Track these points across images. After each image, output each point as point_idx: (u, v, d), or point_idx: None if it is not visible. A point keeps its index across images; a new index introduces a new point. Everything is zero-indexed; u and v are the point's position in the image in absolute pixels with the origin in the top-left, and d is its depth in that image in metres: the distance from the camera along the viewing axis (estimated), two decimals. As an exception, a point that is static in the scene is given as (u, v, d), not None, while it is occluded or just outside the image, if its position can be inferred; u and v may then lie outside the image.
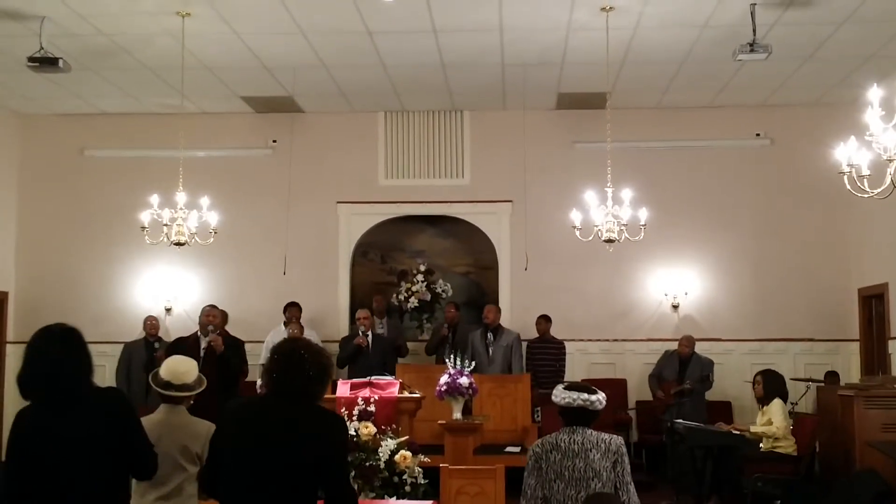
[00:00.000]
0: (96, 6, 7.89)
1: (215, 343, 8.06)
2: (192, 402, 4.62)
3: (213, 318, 8.28)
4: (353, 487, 3.59)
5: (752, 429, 8.21)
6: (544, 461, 4.27)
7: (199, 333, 8.29)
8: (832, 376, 10.16)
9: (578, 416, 4.35)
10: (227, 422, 3.49)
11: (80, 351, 3.68)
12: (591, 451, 4.24)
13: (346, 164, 11.39)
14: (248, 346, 8.70)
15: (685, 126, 11.15)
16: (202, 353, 7.97)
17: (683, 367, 9.79)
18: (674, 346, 10.17)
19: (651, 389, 10.09)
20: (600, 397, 4.40)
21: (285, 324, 10.25)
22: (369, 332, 9.77)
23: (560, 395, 4.40)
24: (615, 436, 4.39)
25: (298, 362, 3.42)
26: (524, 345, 10.44)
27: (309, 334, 10.26)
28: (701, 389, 9.72)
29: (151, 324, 10.38)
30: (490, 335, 9.99)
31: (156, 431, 4.18)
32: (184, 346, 8.01)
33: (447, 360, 8.22)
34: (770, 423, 8.11)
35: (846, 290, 10.77)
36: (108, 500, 3.59)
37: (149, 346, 10.23)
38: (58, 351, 3.61)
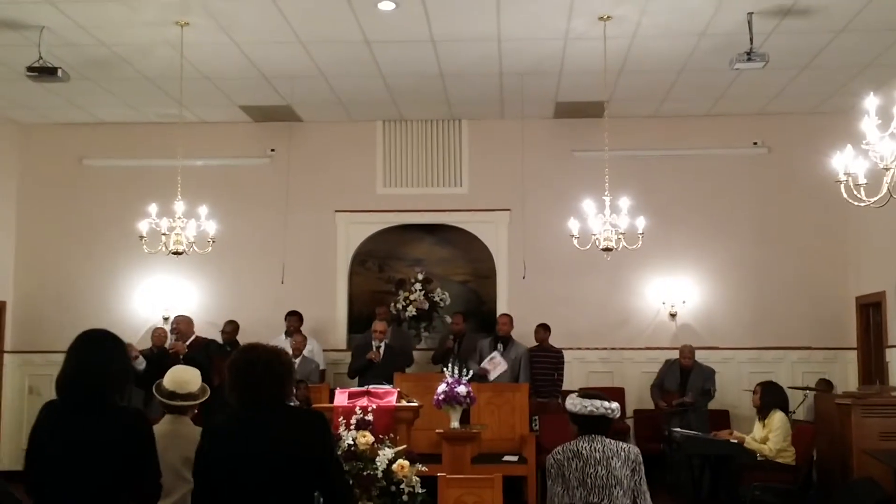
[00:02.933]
0: (95, 16, 7.91)
1: (174, 349, 9.26)
2: (195, 411, 4.61)
3: (177, 324, 9.61)
4: (349, 484, 3.58)
5: (748, 441, 8.20)
6: (566, 468, 4.27)
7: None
8: (825, 384, 10.17)
9: (598, 425, 4.35)
10: (209, 444, 3.43)
11: (119, 359, 3.71)
12: (612, 458, 4.25)
13: (345, 173, 11.40)
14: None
15: (683, 135, 11.16)
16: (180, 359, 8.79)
17: (685, 378, 9.76)
18: (672, 354, 10.17)
19: (653, 399, 10.05)
20: (617, 405, 4.43)
21: (286, 333, 10.21)
22: (382, 345, 9.71)
23: (580, 403, 4.37)
24: (632, 445, 4.42)
25: (259, 371, 3.42)
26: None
27: (309, 343, 10.24)
28: (703, 402, 9.71)
29: (158, 335, 9.89)
30: (500, 345, 9.95)
31: (161, 443, 4.15)
32: (165, 355, 9.11)
33: (445, 370, 8.22)
34: (767, 438, 8.10)
35: (843, 298, 10.77)
36: None
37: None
38: (97, 355, 3.63)
